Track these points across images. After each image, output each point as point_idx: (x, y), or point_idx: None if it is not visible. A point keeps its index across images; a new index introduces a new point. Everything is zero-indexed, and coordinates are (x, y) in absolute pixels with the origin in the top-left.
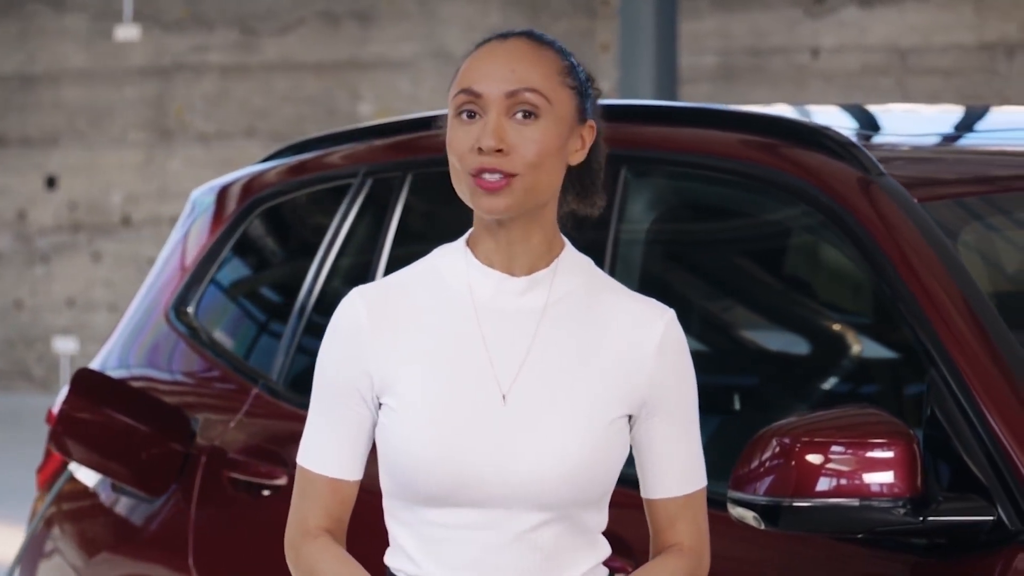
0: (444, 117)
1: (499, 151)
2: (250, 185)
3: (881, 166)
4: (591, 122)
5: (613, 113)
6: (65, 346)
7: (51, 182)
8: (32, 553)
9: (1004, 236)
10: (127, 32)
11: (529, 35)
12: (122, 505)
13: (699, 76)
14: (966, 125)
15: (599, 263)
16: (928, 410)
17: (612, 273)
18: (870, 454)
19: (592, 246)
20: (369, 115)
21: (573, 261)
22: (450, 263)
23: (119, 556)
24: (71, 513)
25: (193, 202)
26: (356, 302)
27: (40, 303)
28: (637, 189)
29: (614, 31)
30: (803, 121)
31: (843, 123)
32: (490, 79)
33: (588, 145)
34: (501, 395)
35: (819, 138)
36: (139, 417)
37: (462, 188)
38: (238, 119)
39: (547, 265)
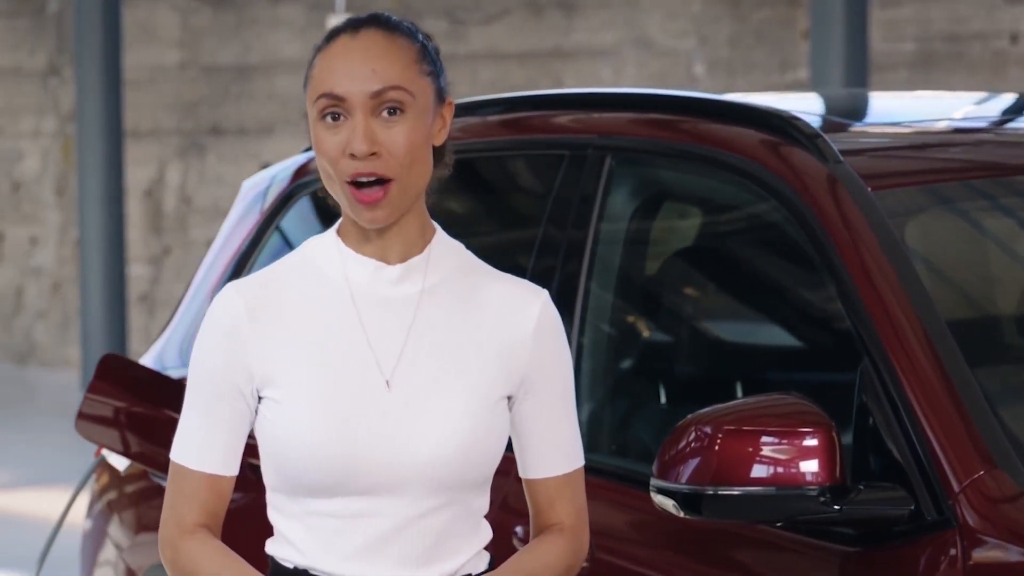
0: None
1: (373, 154)
2: (297, 172)
3: (839, 154)
4: (449, 99)
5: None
6: None
7: None
8: (91, 535)
9: (957, 225)
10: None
11: (378, 22)
12: (154, 488)
13: (897, 63)
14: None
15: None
16: (859, 398)
17: (592, 257)
18: (790, 443)
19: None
20: None
21: (445, 246)
22: (324, 254)
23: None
24: (115, 495)
25: (244, 190)
26: (233, 298)
27: None
28: (621, 177)
29: None
30: (769, 108)
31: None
32: (351, 80)
33: (449, 123)
34: (384, 381)
35: (783, 125)
36: (162, 402)
37: (337, 194)
38: None
39: (420, 251)
